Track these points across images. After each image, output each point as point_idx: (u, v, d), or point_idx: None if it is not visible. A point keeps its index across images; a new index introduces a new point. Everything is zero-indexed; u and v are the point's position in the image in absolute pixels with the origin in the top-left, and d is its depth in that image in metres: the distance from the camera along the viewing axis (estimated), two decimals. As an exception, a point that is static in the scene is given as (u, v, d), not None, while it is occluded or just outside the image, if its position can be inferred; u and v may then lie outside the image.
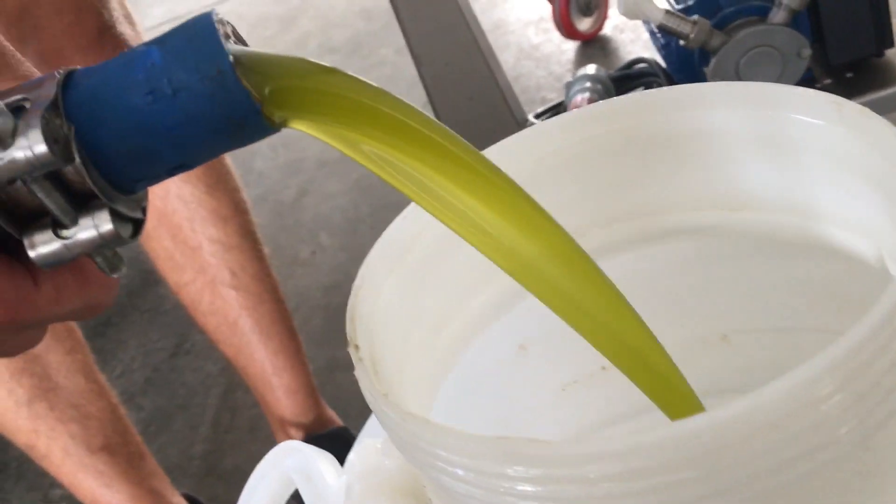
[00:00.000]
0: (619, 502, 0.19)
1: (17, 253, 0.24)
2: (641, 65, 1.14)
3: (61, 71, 0.24)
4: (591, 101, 1.10)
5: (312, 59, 0.24)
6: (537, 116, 1.16)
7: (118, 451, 0.86)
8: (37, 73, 0.27)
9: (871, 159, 0.26)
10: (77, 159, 0.23)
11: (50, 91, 0.23)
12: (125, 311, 1.52)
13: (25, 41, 0.76)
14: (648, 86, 1.13)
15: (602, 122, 0.33)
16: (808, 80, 0.94)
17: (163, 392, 1.33)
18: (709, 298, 0.42)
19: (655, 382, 0.28)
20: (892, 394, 0.23)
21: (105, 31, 0.79)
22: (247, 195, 0.92)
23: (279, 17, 2.55)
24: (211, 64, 0.23)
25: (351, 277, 0.29)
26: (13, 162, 0.22)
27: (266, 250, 0.95)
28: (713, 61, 0.93)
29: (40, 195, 0.23)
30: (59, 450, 0.83)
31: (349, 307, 0.27)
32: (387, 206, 1.60)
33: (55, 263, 0.24)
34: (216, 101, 0.23)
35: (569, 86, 1.16)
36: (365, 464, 0.27)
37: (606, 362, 0.49)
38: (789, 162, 0.30)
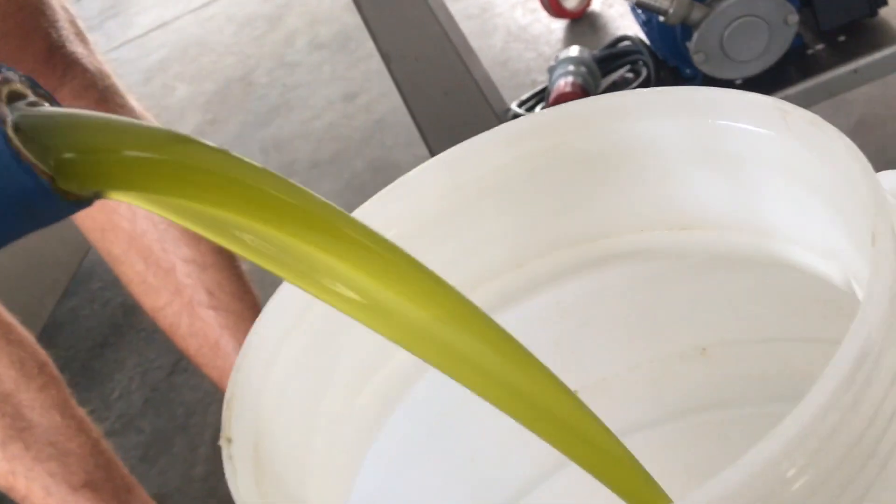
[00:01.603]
0: None
1: None
2: (625, 43, 1.10)
3: None
4: (574, 84, 1.05)
5: (132, 121, 0.20)
6: (521, 105, 1.11)
7: (102, 487, 0.83)
8: None
9: (821, 173, 0.22)
10: None
11: None
12: (122, 330, 1.50)
13: (-30, 70, 0.72)
14: (633, 64, 1.08)
15: (526, 141, 0.28)
16: (798, 48, 0.89)
17: (162, 413, 1.31)
18: (681, 315, 0.38)
19: (599, 465, 0.24)
20: (866, 468, 0.19)
21: (55, 52, 0.76)
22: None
23: (266, 16, 2.52)
24: None
25: None
26: None
27: (245, 266, 0.92)
28: (696, 36, 0.88)
29: None
30: (39, 489, 0.80)
31: (228, 390, 0.23)
32: (381, 204, 1.56)
33: None
34: None
35: (551, 70, 1.12)
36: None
37: (580, 385, 0.45)
38: (736, 175, 0.26)
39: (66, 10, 0.79)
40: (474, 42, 1.11)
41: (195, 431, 1.25)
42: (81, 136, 0.19)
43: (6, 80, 0.19)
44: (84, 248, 1.57)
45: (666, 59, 0.99)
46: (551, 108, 0.28)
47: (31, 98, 0.20)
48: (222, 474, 1.00)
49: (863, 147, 0.21)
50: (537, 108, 1.10)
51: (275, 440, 0.24)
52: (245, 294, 0.89)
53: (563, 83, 1.05)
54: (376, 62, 2.04)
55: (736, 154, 0.25)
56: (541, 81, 1.68)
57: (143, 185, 0.20)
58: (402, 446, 0.33)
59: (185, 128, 2.17)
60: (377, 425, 0.31)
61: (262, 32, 2.47)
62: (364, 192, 1.62)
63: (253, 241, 0.20)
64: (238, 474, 0.20)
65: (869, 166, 0.19)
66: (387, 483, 0.33)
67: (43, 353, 0.84)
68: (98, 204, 0.21)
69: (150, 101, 2.45)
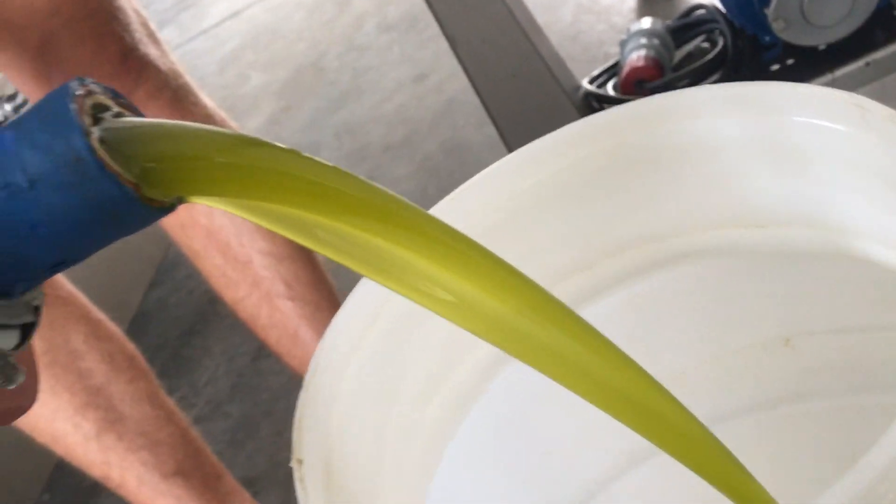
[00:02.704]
0: None
1: None
2: (700, 12, 1.06)
3: None
4: (647, 58, 1.02)
5: (203, 126, 0.20)
6: (591, 81, 1.09)
7: (192, 475, 0.86)
8: None
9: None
10: None
11: None
12: (207, 318, 1.54)
13: (50, 74, 0.75)
14: (709, 33, 1.04)
15: (591, 142, 0.28)
16: (884, 9, 0.85)
17: (248, 398, 1.34)
18: (762, 307, 0.37)
19: (692, 456, 0.24)
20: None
21: (129, 55, 0.78)
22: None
23: (334, 0, 2.53)
24: (67, 149, 0.19)
25: None
26: None
27: (320, 257, 0.93)
28: (774, 1, 0.85)
29: None
30: (133, 479, 0.84)
31: (297, 411, 0.24)
32: (453, 184, 1.55)
33: None
34: (78, 190, 0.20)
35: (623, 44, 1.09)
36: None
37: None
38: (809, 172, 0.24)
39: (138, 12, 0.80)
40: (543, 16, 1.09)
41: (280, 416, 1.28)
42: (163, 146, 0.20)
43: (90, 93, 0.20)
44: (168, 238, 1.62)
45: (743, 26, 0.96)
46: (616, 107, 0.27)
47: (115, 109, 0.20)
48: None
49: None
50: (609, 84, 1.07)
51: (345, 458, 0.24)
52: (321, 284, 0.90)
53: (636, 57, 1.03)
54: (445, 42, 2.03)
55: (809, 151, 0.23)
56: (613, 54, 1.64)
57: (223, 190, 0.20)
58: (473, 452, 0.33)
59: (260, 116, 2.21)
60: (448, 434, 0.31)
61: (330, 17, 2.49)
62: (437, 174, 1.62)
63: (331, 238, 0.20)
64: (310, 497, 0.21)
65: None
66: (460, 488, 0.32)
67: (132, 347, 0.87)
68: None
69: (225, 91, 2.50)
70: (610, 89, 1.05)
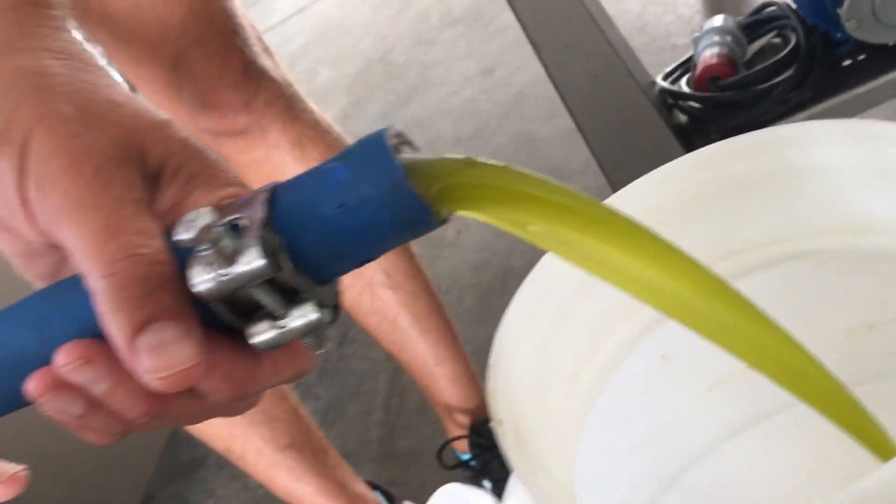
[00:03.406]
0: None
1: (242, 337, 0.28)
2: (771, 8, 1.10)
3: (265, 190, 0.28)
4: (721, 55, 1.07)
5: (462, 156, 0.27)
6: (666, 77, 1.14)
7: (304, 448, 0.94)
8: (234, 174, 0.31)
9: None
10: (287, 267, 0.26)
11: (260, 210, 0.27)
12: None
13: (181, 86, 0.83)
14: (781, 30, 1.08)
15: (717, 165, 0.34)
16: (956, 8, 0.88)
17: (335, 381, 1.43)
18: (851, 299, 0.43)
19: (806, 387, 0.30)
20: None
21: (249, 67, 0.85)
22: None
23: (400, -5, 2.59)
24: (387, 179, 0.26)
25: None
26: (239, 276, 0.26)
27: (414, 248, 1.00)
28: (847, 2, 0.89)
29: (258, 297, 0.27)
30: (252, 451, 0.92)
31: (488, 382, 0.30)
32: (525, 176, 1.61)
33: (272, 348, 0.28)
34: (394, 209, 0.26)
35: (696, 41, 1.14)
36: (522, 514, 0.30)
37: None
38: (906, 191, 0.30)
39: (253, 27, 0.88)
40: (611, 8, 1.14)
41: (367, 398, 1.36)
42: (447, 174, 0.26)
43: (393, 136, 0.26)
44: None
45: (815, 23, 1.00)
46: (748, 134, 0.33)
47: (409, 149, 0.27)
48: (395, 436, 1.11)
49: None
50: (682, 80, 1.12)
51: (524, 415, 0.31)
52: (418, 274, 0.97)
53: (710, 54, 1.07)
54: (511, 35, 2.08)
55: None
56: (681, 45, 1.68)
57: (482, 206, 0.27)
58: (607, 417, 0.39)
59: (331, 110, 2.29)
60: (591, 400, 0.38)
61: (396, 11, 2.56)
62: (508, 165, 1.67)
63: (545, 235, 0.27)
64: (512, 451, 0.27)
65: None
66: (597, 445, 0.39)
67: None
68: None
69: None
70: (684, 85, 1.09)
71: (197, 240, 0.26)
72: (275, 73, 0.88)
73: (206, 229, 0.26)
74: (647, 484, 0.49)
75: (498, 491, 0.94)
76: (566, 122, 1.22)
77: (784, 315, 0.34)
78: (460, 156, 0.27)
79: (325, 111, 2.47)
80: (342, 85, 2.40)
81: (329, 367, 1.46)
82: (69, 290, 0.29)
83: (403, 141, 0.27)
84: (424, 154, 0.27)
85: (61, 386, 0.28)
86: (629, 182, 1.19)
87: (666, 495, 0.50)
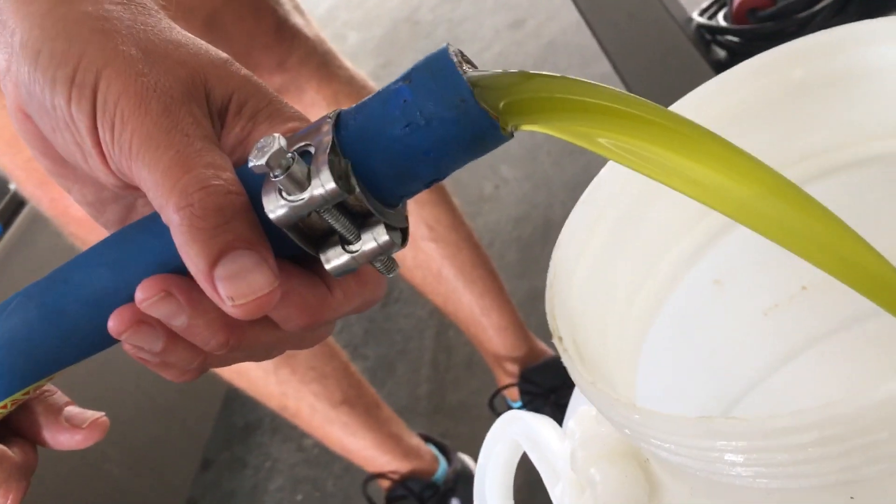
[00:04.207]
0: (816, 464, 0.22)
1: (314, 266, 0.29)
2: (808, -65, 1.07)
3: (331, 116, 0.28)
4: (757, -13, 1.04)
5: (528, 71, 0.27)
6: (702, 13, 1.11)
7: (357, 403, 0.95)
8: (296, 109, 0.31)
9: None
10: (357, 189, 0.27)
11: (327, 136, 0.27)
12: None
13: (216, 47, 0.83)
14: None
15: (784, 67, 0.33)
16: None
17: (382, 341, 1.44)
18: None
19: (880, 290, 0.29)
20: None
21: (281, 26, 0.85)
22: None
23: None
24: (455, 95, 0.26)
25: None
26: (311, 199, 0.26)
27: (456, 201, 1.00)
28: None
29: (330, 221, 0.27)
30: (306, 407, 0.94)
31: (547, 299, 0.30)
32: (561, 127, 1.60)
33: (345, 273, 0.28)
34: (462, 125, 0.26)
35: (731, -25, 1.11)
36: (584, 432, 0.31)
37: (806, 282, 0.49)
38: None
39: (284, -15, 0.88)
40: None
41: (415, 355, 1.38)
42: (514, 88, 0.26)
43: (455, 54, 0.26)
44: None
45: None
46: (803, 38, 0.32)
47: (470, 67, 0.27)
48: (444, 391, 1.12)
49: None
50: (720, 15, 1.10)
51: (584, 331, 0.31)
52: (460, 226, 0.98)
53: (745, -13, 1.05)
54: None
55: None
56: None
57: (548, 118, 0.27)
58: (664, 336, 0.39)
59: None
60: (647, 324, 0.38)
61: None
62: (543, 117, 1.66)
63: (614, 147, 0.27)
64: (573, 363, 0.27)
65: None
66: (656, 366, 0.39)
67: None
68: None
69: (325, 52, 2.59)
70: (721, 19, 1.07)
71: (268, 167, 0.26)
72: (307, 31, 0.87)
73: (277, 156, 0.26)
74: (705, 410, 0.49)
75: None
76: (602, 67, 1.21)
77: (853, 221, 0.33)
78: (523, 71, 0.27)
79: (356, 75, 2.43)
80: (371, 48, 2.40)
81: (374, 328, 1.48)
82: (144, 229, 0.30)
83: (465, 60, 0.27)
84: (488, 71, 0.27)
85: (142, 321, 0.28)
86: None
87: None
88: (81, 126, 0.29)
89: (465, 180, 1.60)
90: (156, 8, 0.31)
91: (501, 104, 0.26)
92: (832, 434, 0.21)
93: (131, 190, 0.30)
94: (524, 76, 0.27)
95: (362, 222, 0.28)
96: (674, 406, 0.43)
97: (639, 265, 0.36)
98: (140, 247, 0.29)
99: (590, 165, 1.45)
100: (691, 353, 0.45)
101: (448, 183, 0.99)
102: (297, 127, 0.30)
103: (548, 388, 0.95)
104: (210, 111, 0.29)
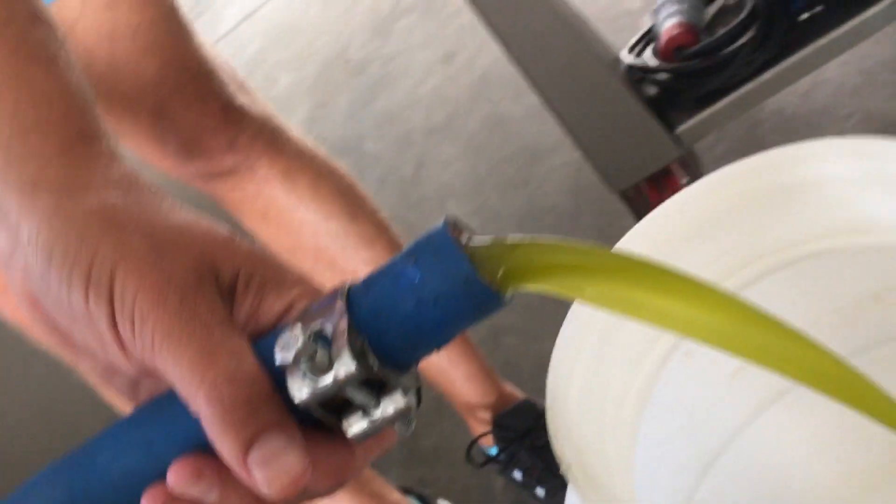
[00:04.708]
0: None
1: (336, 431, 0.31)
2: (724, -29, 1.12)
3: (341, 295, 0.29)
4: (682, 24, 1.09)
5: (519, 236, 0.29)
6: (630, 50, 1.15)
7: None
8: (296, 273, 0.32)
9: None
10: (376, 367, 0.29)
11: (343, 317, 0.29)
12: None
13: (165, 137, 0.84)
14: (738, -12, 1.10)
15: (737, 184, 0.36)
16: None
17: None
18: (855, 278, 0.46)
19: (856, 399, 0.32)
20: None
21: (228, 108, 0.86)
22: (383, 215, 0.98)
23: (347, -11, 2.57)
24: (458, 273, 0.28)
25: None
26: (335, 383, 0.28)
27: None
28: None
29: (350, 395, 0.29)
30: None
31: (549, 425, 0.33)
32: (502, 160, 1.63)
33: (367, 437, 0.30)
34: (467, 299, 0.28)
35: (656, 12, 1.15)
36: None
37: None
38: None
39: (227, 66, 0.89)
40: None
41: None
42: (509, 257, 0.29)
43: (453, 227, 0.28)
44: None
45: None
46: (760, 154, 0.35)
47: (465, 233, 0.29)
48: (417, 437, 1.13)
49: None
50: (647, 51, 1.14)
51: (585, 455, 0.34)
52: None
53: (671, 24, 1.09)
54: (466, 17, 2.08)
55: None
56: (635, 9, 1.69)
57: (542, 281, 0.29)
58: (653, 428, 0.42)
59: (298, 115, 2.28)
60: (640, 414, 0.41)
61: (346, 6, 2.54)
62: (484, 152, 1.69)
63: (597, 295, 0.29)
64: (584, 493, 0.30)
65: None
66: (648, 453, 0.42)
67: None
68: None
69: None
70: (649, 57, 1.11)
71: (296, 359, 0.28)
72: (254, 110, 0.89)
73: (302, 351, 0.28)
74: (686, 473, 0.52)
75: (527, 480, 0.97)
76: (534, 99, 1.24)
77: (804, 302, 0.36)
78: (517, 235, 0.29)
79: (292, 117, 2.44)
80: (304, 88, 2.40)
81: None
82: (170, 408, 0.31)
83: (460, 227, 0.29)
84: (482, 238, 0.29)
85: (176, 499, 0.30)
86: (606, 156, 1.19)
87: (706, 480, 0.53)
88: (100, 322, 0.30)
89: (414, 220, 1.62)
90: (154, 188, 0.32)
91: (500, 273, 0.28)
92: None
93: (148, 374, 0.31)
94: (514, 246, 0.29)
95: (380, 389, 0.30)
96: (665, 481, 0.46)
97: (625, 368, 0.39)
98: (167, 427, 0.31)
99: (533, 197, 1.49)
100: (667, 425, 0.48)
101: (398, 229, 1.00)
102: (302, 292, 0.31)
103: (522, 432, 0.97)
104: (220, 290, 0.31)
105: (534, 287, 0.29)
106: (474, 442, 1.03)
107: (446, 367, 1.01)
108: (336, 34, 2.48)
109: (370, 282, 0.29)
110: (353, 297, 0.29)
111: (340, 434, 0.30)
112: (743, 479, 0.55)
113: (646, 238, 0.36)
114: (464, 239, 0.29)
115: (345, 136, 2.06)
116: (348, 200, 0.93)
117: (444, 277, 0.28)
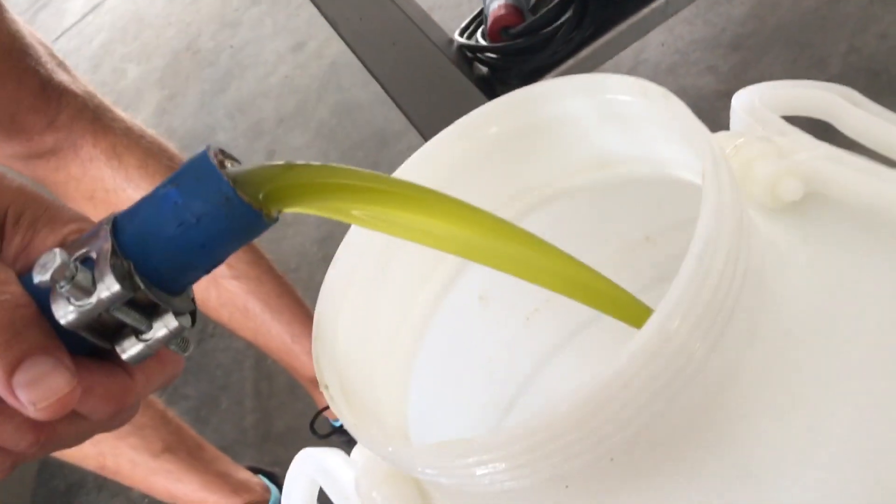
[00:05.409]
0: (530, 466, 0.27)
1: (112, 356, 0.31)
2: (547, -45, 1.17)
3: (107, 222, 0.30)
4: (507, 6, 1.13)
5: (280, 161, 0.31)
6: (462, 33, 1.19)
7: (178, 449, 0.96)
8: (73, 210, 0.33)
9: (673, 125, 0.33)
10: (142, 286, 0.30)
11: (107, 241, 0.30)
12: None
13: (-22, 115, 0.81)
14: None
15: (486, 125, 0.39)
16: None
17: (202, 378, 1.43)
18: (622, 218, 0.50)
19: (602, 301, 0.35)
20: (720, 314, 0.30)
21: (46, 86, 0.83)
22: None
23: (196, -21, 2.52)
24: (219, 194, 0.29)
25: (341, 224, 0.34)
26: (99, 302, 0.29)
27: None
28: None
29: (120, 317, 0.30)
30: (126, 462, 0.93)
31: (314, 353, 0.35)
32: (353, 146, 1.65)
33: (142, 359, 0.31)
34: (230, 219, 0.30)
35: (485, -6, 1.19)
36: (365, 460, 0.35)
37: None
38: (631, 129, 0.36)
39: (44, 45, 0.86)
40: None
41: (237, 388, 1.38)
42: (271, 180, 0.30)
43: (215, 153, 0.29)
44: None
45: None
46: (496, 100, 0.38)
47: (230, 161, 0.30)
48: (270, 419, 1.14)
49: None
50: (478, 33, 1.18)
51: (351, 375, 0.36)
52: (259, 260, 1.00)
53: (497, 6, 1.13)
54: (315, 7, 2.08)
55: (626, 116, 0.35)
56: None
57: (304, 201, 0.31)
58: (433, 359, 0.44)
59: (147, 107, 2.22)
60: (415, 349, 0.43)
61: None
62: (334, 138, 1.70)
63: (363, 215, 0.31)
64: (339, 407, 0.32)
65: (695, 119, 0.30)
66: (428, 388, 0.44)
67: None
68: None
69: (104, 89, 2.48)
70: (480, 38, 1.15)
71: (53, 280, 0.28)
72: (74, 87, 0.87)
73: (60, 270, 0.28)
74: (488, 412, 0.55)
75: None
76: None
77: (569, 244, 0.40)
78: (279, 161, 0.31)
79: (142, 109, 2.37)
80: (153, 80, 2.34)
81: (193, 366, 1.46)
82: None
83: (225, 156, 0.30)
84: (246, 165, 0.30)
85: None
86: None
87: (508, 419, 0.56)
88: None
89: (265, 207, 1.61)
90: None
91: (261, 195, 0.30)
92: (535, 442, 0.27)
93: None
94: (279, 168, 0.31)
95: (152, 312, 0.31)
96: (456, 419, 0.48)
97: (397, 303, 0.41)
98: None
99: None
100: (466, 367, 0.51)
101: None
102: (77, 229, 0.32)
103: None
104: None
105: (300, 208, 0.31)
106: (318, 414, 1.04)
107: (290, 343, 1.02)
108: (185, 25, 2.42)
109: (135, 208, 0.31)
110: (120, 223, 0.30)
111: (119, 359, 0.31)
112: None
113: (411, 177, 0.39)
114: (228, 164, 0.30)
115: (196, 126, 2.02)
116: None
117: (205, 198, 0.29)
